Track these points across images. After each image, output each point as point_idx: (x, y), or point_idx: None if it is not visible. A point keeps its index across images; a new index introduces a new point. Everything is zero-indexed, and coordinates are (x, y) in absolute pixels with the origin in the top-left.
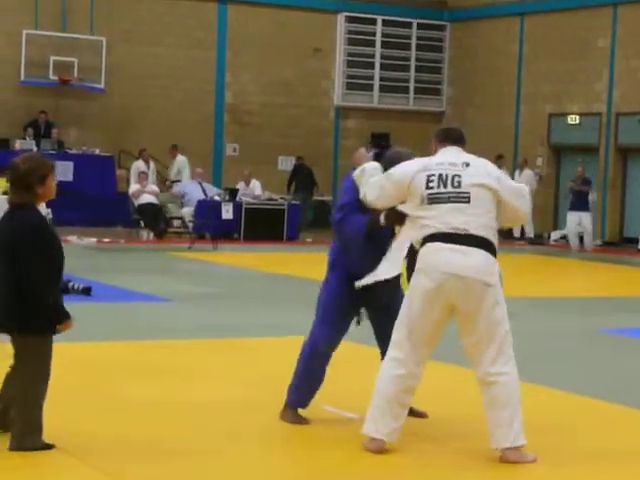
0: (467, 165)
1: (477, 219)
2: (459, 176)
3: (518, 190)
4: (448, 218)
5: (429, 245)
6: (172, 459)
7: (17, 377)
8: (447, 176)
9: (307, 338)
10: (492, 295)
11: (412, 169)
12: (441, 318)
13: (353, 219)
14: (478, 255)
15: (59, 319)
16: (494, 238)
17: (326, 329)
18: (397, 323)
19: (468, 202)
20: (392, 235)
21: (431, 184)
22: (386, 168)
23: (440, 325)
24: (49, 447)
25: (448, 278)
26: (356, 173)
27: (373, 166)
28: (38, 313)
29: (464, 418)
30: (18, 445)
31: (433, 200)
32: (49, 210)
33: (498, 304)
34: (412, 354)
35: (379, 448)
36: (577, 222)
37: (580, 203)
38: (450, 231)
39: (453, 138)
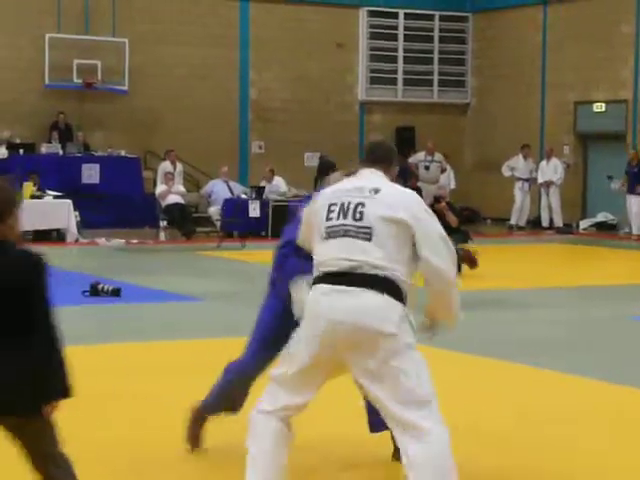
0: (376, 192)
1: (377, 258)
2: (363, 205)
3: (438, 240)
4: (338, 253)
5: (315, 287)
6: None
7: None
8: (349, 204)
9: (235, 361)
10: (391, 345)
11: (318, 198)
12: (325, 371)
13: (289, 265)
14: (367, 296)
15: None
16: (402, 276)
17: (259, 358)
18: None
19: (369, 240)
20: None
21: (331, 214)
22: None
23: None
24: None
25: (331, 325)
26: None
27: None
28: (61, 378)
29: None
30: None
31: (330, 235)
32: (76, 213)
33: (404, 354)
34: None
35: None
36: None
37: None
38: (337, 270)
39: (371, 157)
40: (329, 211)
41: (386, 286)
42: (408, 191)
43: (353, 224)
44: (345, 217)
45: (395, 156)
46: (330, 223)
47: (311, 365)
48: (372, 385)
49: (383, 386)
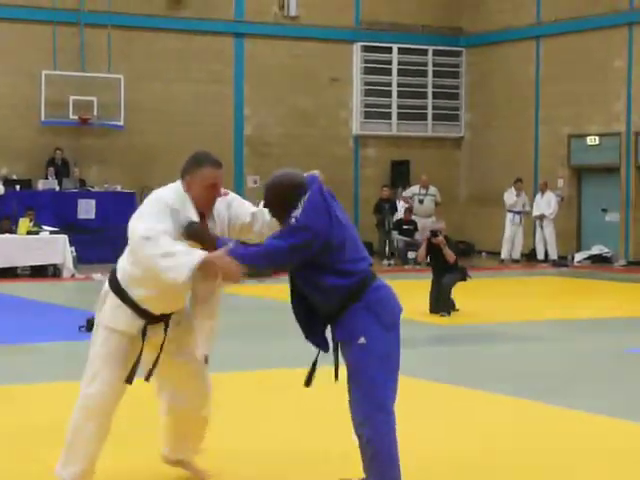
0: None
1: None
2: None
3: (136, 240)
4: None
5: None
6: None
7: None
8: None
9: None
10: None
11: None
12: None
13: None
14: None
15: None
16: (123, 277)
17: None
18: None
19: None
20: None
21: None
22: None
23: None
24: None
25: None
26: None
27: None
28: None
29: None
30: None
31: None
32: (72, 248)
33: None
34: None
35: None
36: None
37: None
38: None
39: None
40: None
41: (111, 280)
42: (148, 200)
43: None
44: None
45: (186, 167)
46: None
47: None
48: None
49: None
